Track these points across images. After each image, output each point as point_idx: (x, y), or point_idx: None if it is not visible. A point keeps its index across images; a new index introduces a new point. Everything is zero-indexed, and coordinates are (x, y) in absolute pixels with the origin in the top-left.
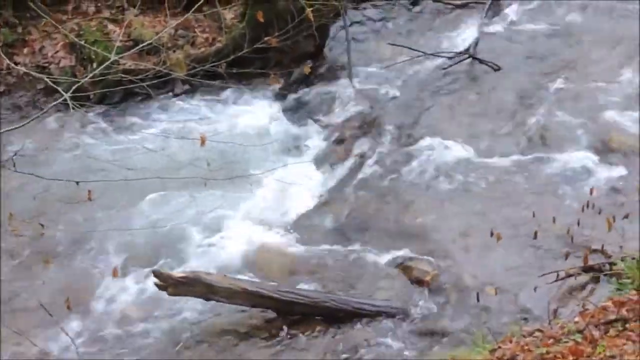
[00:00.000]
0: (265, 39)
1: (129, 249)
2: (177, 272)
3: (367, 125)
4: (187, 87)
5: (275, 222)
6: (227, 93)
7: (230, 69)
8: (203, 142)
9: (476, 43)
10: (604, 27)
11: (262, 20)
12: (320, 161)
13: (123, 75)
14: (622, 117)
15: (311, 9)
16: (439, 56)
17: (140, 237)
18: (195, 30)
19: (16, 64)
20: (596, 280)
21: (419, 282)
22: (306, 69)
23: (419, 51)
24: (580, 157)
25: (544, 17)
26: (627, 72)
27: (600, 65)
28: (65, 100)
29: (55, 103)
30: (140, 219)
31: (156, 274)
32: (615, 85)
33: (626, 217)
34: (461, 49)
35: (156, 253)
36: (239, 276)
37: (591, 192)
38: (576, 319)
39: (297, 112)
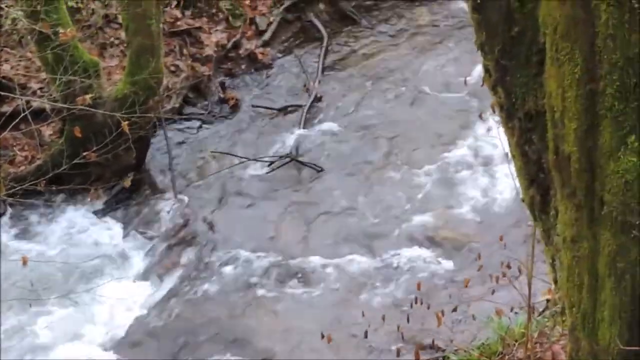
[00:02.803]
0: (84, 154)
1: None
2: None
3: (192, 235)
4: (7, 207)
5: (101, 340)
6: (49, 211)
7: (51, 186)
8: (25, 262)
9: (297, 145)
10: (420, 121)
11: (79, 135)
12: (146, 274)
13: None
14: (445, 209)
15: (127, 122)
16: (261, 161)
17: None
18: (14, 148)
19: None
20: None
21: None
22: (126, 182)
23: (241, 157)
24: (405, 253)
25: (362, 115)
26: (449, 160)
27: (420, 158)
28: None
29: None
30: None
31: None
32: (436, 177)
33: (454, 310)
34: (283, 152)
35: None
36: None
37: (418, 287)
38: None
39: (121, 225)
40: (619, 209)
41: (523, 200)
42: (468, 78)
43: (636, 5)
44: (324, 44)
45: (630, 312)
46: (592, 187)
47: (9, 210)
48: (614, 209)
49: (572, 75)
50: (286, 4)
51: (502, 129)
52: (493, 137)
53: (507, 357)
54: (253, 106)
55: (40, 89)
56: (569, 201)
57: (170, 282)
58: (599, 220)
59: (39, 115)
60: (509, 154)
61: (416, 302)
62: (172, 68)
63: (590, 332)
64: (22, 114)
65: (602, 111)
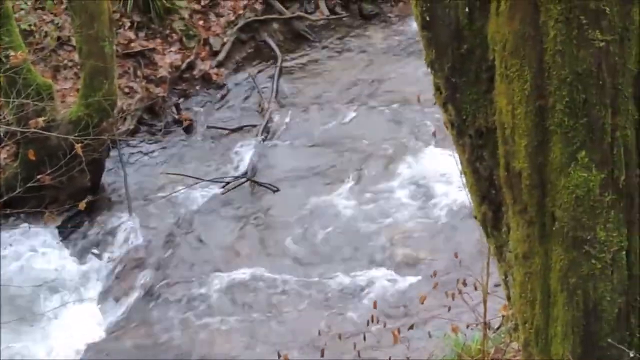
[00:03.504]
0: (39, 177)
1: None
2: None
3: (148, 257)
4: None
5: None
6: (4, 234)
7: (5, 209)
8: None
9: (253, 166)
10: (374, 139)
11: (34, 158)
12: (102, 296)
13: None
14: (401, 226)
15: (81, 144)
16: (216, 181)
17: None
18: None
19: None
20: None
21: None
22: (81, 205)
23: (196, 178)
24: (361, 271)
25: (317, 133)
26: (403, 177)
27: (375, 176)
28: None
29: None
30: None
31: None
32: (391, 194)
33: (411, 327)
34: (238, 172)
35: None
36: None
37: (374, 306)
38: None
39: (77, 248)
40: (570, 224)
41: (475, 217)
42: (421, 95)
43: (584, 22)
44: (278, 63)
45: (583, 327)
46: (543, 203)
47: None
48: (565, 225)
49: (522, 92)
50: (240, 24)
51: (454, 146)
52: (446, 153)
53: None
54: (208, 127)
55: None
56: (521, 217)
57: (126, 304)
58: (551, 236)
59: None
60: (461, 171)
61: (372, 321)
62: (127, 90)
63: (544, 348)
64: None
65: (552, 127)
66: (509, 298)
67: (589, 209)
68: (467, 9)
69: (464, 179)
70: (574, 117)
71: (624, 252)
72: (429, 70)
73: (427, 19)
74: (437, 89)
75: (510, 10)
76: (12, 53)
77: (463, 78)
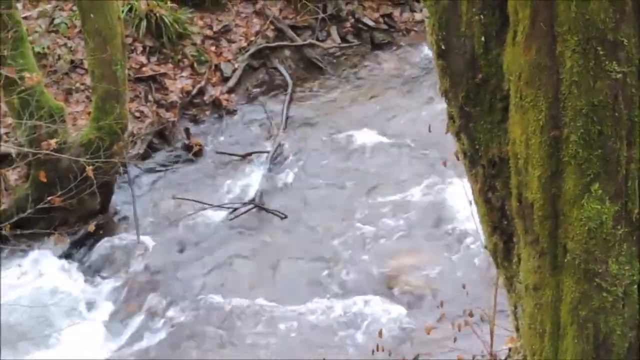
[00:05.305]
0: (49, 198)
1: None
2: None
3: (155, 280)
4: None
5: None
6: (14, 255)
7: (15, 230)
8: None
9: (261, 192)
10: (383, 168)
11: (45, 180)
12: (109, 318)
13: None
14: (408, 256)
15: (92, 167)
16: (224, 207)
17: None
18: None
19: None
20: None
21: None
22: (91, 227)
23: (204, 203)
24: (368, 300)
25: (326, 162)
26: (411, 206)
27: (384, 205)
28: None
29: None
30: None
31: None
32: (399, 224)
33: (416, 358)
34: (247, 199)
35: None
36: None
37: (380, 335)
38: None
39: (86, 270)
40: (582, 256)
41: (486, 247)
42: (432, 125)
43: (601, 53)
44: (289, 90)
45: None
46: (555, 235)
47: None
48: (577, 257)
49: (537, 122)
50: (251, 50)
51: (465, 176)
52: (457, 184)
53: None
54: (217, 152)
55: (6, 133)
56: (532, 248)
57: (132, 326)
58: (562, 268)
59: (5, 159)
60: (472, 201)
61: (377, 350)
62: (137, 114)
63: None
64: None
65: (566, 158)
66: (517, 329)
67: (601, 241)
68: (483, 38)
69: (474, 209)
70: (589, 149)
71: (635, 286)
72: (443, 99)
73: (443, 47)
74: (451, 118)
75: (527, 40)
76: (27, 75)
77: (477, 107)
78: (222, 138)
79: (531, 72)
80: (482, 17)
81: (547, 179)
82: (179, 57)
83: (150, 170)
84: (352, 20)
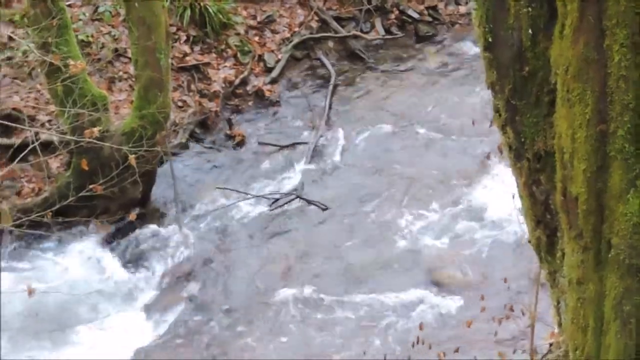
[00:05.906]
0: (91, 186)
1: None
2: None
3: (196, 270)
4: (15, 237)
5: None
6: (56, 242)
7: (57, 218)
8: (30, 293)
9: (303, 183)
10: (426, 162)
11: (86, 168)
12: (150, 307)
13: None
14: (450, 250)
15: (134, 156)
16: (266, 197)
17: None
18: (22, 180)
19: None
20: None
21: None
22: (132, 215)
23: (246, 193)
24: (409, 293)
25: (368, 154)
26: (453, 200)
27: (426, 199)
28: None
29: None
30: None
31: None
32: (442, 217)
33: (456, 351)
34: (288, 189)
35: None
36: None
37: (421, 328)
38: None
39: (126, 258)
40: (626, 251)
41: (529, 242)
42: (475, 119)
43: None
44: (332, 82)
45: (635, 356)
46: (599, 229)
47: (16, 241)
48: (621, 252)
49: (583, 116)
50: (295, 41)
51: (510, 170)
52: (500, 178)
53: None
54: (259, 143)
55: (49, 121)
56: (576, 243)
57: (173, 315)
58: (606, 263)
59: (47, 147)
60: (517, 195)
61: (418, 342)
62: (180, 103)
63: None
64: (31, 146)
65: (612, 153)
66: (559, 324)
67: None
68: (530, 31)
69: (518, 203)
70: (635, 143)
71: None
72: (489, 91)
73: (490, 39)
74: (497, 111)
75: (575, 34)
76: (71, 62)
77: (523, 100)
78: (264, 128)
79: (578, 65)
80: (530, 9)
81: (592, 174)
82: (222, 47)
83: (192, 160)
84: (397, 12)
